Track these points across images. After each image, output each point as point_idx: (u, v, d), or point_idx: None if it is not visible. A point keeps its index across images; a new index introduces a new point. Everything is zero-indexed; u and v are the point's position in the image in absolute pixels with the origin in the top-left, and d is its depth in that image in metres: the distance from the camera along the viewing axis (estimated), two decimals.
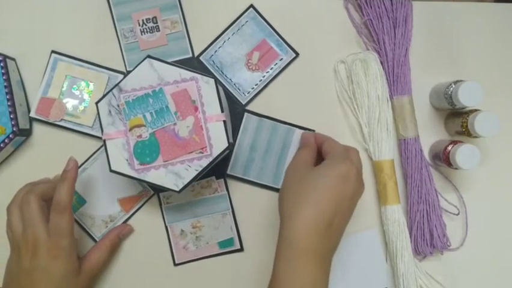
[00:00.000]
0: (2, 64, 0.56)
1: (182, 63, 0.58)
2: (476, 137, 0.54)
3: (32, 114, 0.58)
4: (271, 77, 0.59)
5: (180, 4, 0.59)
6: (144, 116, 0.51)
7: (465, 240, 0.59)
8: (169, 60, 0.53)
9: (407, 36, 0.58)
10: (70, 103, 0.58)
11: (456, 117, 0.57)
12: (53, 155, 0.59)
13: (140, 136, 0.50)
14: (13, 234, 0.51)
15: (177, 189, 0.50)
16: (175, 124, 0.50)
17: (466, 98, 0.53)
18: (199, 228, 0.58)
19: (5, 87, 0.56)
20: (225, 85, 0.59)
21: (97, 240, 0.59)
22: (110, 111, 0.51)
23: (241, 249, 0.59)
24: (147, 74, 0.51)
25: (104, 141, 0.51)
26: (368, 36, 0.60)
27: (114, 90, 0.51)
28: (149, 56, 0.51)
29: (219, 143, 0.50)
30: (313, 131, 0.59)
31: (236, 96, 0.59)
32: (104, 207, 0.59)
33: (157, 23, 0.58)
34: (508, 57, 0.61)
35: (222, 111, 0.50)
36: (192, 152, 0.50)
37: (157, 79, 0.51)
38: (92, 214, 0.59)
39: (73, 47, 0.59)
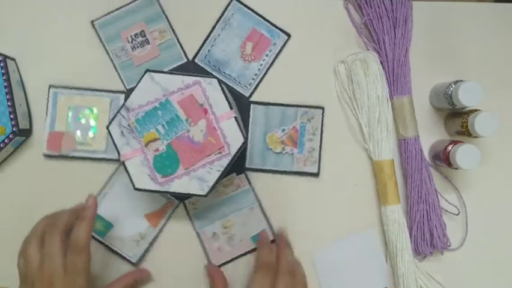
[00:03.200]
0: (2, 64, 0.56)
1: (180, 70, 0.58)
2: (476, 137, 0.54)
3: (44, 150, 0.58)
4: (268, 64, 0.60)
5: (164, 12, 0.59)
6: (157, 130, 0.50)
7: (465, 240, 0.59)
8: (167, 70, 0.54)
9: (407, 36, 0.58)
10: (78, 133, 0.59)
11: (456, 117, 0.57)
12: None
13: (157, 150, 0.50)
14: (28, 268, 0.49)
15: (204, 194, 0.50)
16: (188, 131, 0.50)
17: (466, 98, 0.53)
18: (230, 228, 0.59)
19: (5, 87, 0.56)
20: (226, 82, 0.59)
21: (130, 259, 0.58)
22: (122, 132, 0.51)
23: (274, 241, 0.59)
24: (150, 88, 0.51)
25: (123, 162, 0.51)
26: (368, 36, 0.60)
27: (122, 111, 0.51)
28: (148, 70, 0.51)
29: (235, 140, 0.50)
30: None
31: (239, 90, 0.59)
32: (131, 226, 0.59)
33: (145, 36, 0.59)
34: (508, 57, 0.61)
35: (231, 108, 0.51)
36: (210, 155, 0.50)
37: (161, 91, 0.51)
38: (121, 235, 0.58)
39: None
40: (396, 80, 0.58)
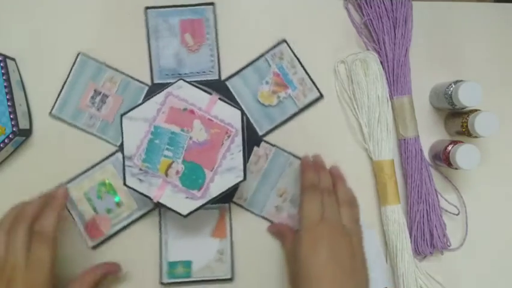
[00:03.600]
0: (2, 64, 0.56)
1: (148, 95, 0.57)
2: (476, 137, 0.55)
3: (90, 243, 0.58)
4: (214, 40, 0.60)
5: (100, 61, 0.59)
6: (165, 156, 0.51)
7: (465, 240, 0.59)
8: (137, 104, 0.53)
9: (407, 36, 0.58)
10: (106, 209, 0.59)
11: (456, 117, 0.57)
12: (54, 155, 0.59)
13: (177, 172, 0.50)
14: None
15: (242, 178, 0.50)
16: (190, 138, 0.50)
17: (466, 98, 0.53)
18: (285, 192, 0.59)
19: (5, 87, 0.56)
20: (191, 79, 0.58)
21: (226, 278, 0.58)
22: (140, 180, 0.51)
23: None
24: (135, 127, 0.51)
25: (159, 203, 0.51)
26: (368, 36, 0.60)
27: (126, 164, 0.51)
28: (122, 114, 0.51)
29: (233, 116, 0.50)
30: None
31: (207, 78, 0.59)
32: (207, 251, 0.58)
33: (100, 92, 0.58)
34: (508, 57, 0.61)
35: (210, 93, 0.51)
36: (222, 143, 0.50)
37: (145, 122, 0.51)
38: (205, 264, 0.58)
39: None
40: (396, 80, 0.58)
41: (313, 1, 0.60)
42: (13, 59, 0.59)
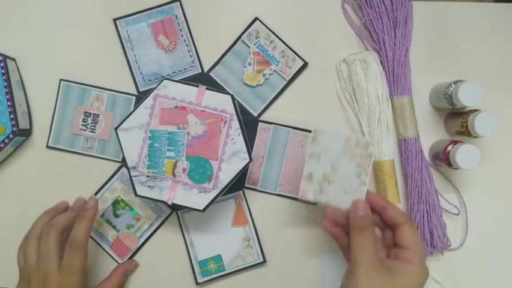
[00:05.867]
0: (2, 64, 0.56)
1: (137, 103, 0.58)
2: (476, 137, 0.54)
3: (120, 261, 0.59)
4: (189, 36, 0.60)
5: (83, 83, 0.59)
6: (168, 157, 0.51)
7: (465, 240, 0.59)
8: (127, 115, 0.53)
9: (407, 36, 0.58)
10: (127, 225, 0.59)
11: (456, 117, 0.57)
12: (54, 155, 0.59)
13: (184, 170, 0.51)
14: (26, 264, 0.51)
15: (248, 160, 0.51)
16: (188, 133, 0.51)
17: (466, 98, 0.53)
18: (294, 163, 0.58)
19: (5, 87, 0.56)
20: (175, 78, 0.59)
21: (260, 262, 0.58)
22: (150, 187, 0.51)
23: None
24: (131, 137, 0.51)
25: (173, 204, 0.51)
26: (368, 36, 0.60)
27: (132, 174, 0.51)
28: (116, 128, 0.51)
29: (224, 101, 0.51)
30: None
31: (190, 74, 0.59)
32: (234, 241, 0.59)
33: (90, 114, 0.59)
34: (508, 57, 0.61)
35: (197, 85, 0.51)
36: (220, 131, 0.51)
37: (140, 129, 0.51)
38: (235, 254, 0.58)
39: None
40: (397, 80, 0.58)
41: (313, 1, 0.60)
42: (13, 59, 0.59)
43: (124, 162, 0.56)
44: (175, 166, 0.51)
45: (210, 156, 0.50)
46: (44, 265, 0.50)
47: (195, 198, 0.51)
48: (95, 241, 0.59)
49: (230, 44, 0.60)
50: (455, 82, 0.55)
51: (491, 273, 0.59)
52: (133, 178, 0.51)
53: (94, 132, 0.59)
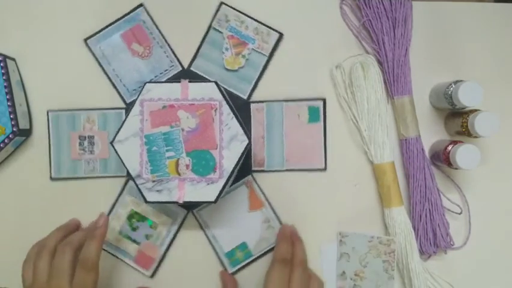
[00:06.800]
0: (2, 64, 0.56)
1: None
2: (476, 137, 0.54)
3: (147, 273, 0.59)
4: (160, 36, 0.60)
5: (72, 109, 0.59)
6: (168, 157, 0.51)
7: (468, 239, 0.59)
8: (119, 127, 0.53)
9: (406, 36, 0.58)
10: (145, 236, 0.59)
11: (456, 117, 0.57)
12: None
13: (187, 166, 0.51)
14: (36, 278, 0.49)
15: (248, 141, 0.51)
16: (182, 129, 0.51)
17: (466, 98, 0.52)
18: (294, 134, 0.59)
19: (5, 87, 0.56)
20: (158, 80, 0.60)
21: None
22: (158, 191, 0.51)
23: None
24: (127, 147, 0.51)
25: (185, 202, 0.51)
26: (367, 37, 0.60)
27: (138, 182, 0.51)
28: (111, 142, 0.51)
29: (210, 90, 0.51)
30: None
31: (171, 74, 0.59)
32: (254, 225, 0.59)
33: (85, 137, 0.59)
34: (508, 57, 0.60)
35: (179, 81, 0.51)
36: (213, 119, 0.51)
37: (135, 137, 0.51)
38: (259, 238, 0.59)
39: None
40: (397, 80, 0.58)
41: (313, 2, 0.60)
42: (13, 59, 0.59)
43: (128, 175, 0.56)
44: (177, 164, 0.51)
45: (209, 146, 0.50)
46: (56, 282, 0.48)
47: (205, 191, 0.51)
48: (118, 258, 0.59)
49: (203, 35, 0.60)
50: (455, 82, 0.55)
51: (494, 272, 0.59)
52: (139, 186, 0.51)
53: (93, 153, 0.59)
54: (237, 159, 0.50)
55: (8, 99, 0.56)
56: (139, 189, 0.51)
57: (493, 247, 0.59)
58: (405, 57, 0.58)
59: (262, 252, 0.59)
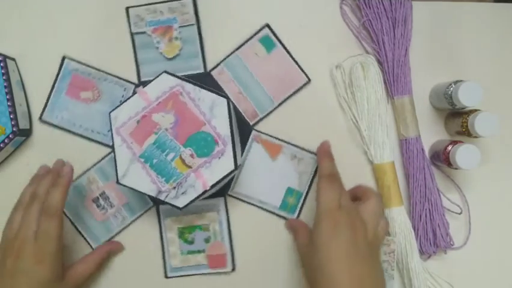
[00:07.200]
0: (2, 64, 0.56)
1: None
2: (476, 137, 0.54)
3: (224, 271, 0.59)
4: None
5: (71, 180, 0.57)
6: (172, 159, 0.51)
7: (468, 239, 0.59)
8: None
9: (406, 36, 0.58)
10: (204, 239, 0.59)
11: (456, 117, 0.57)
12: (54, 155, 0.59)
13: (192, 155, 0.51)
14: (8, 233, 0.51)
15: (226, 99, 0.51)
16: (166, 129, 0.51)
17: (466, 98, 0.52)
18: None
19: (5, 87, 0.56)
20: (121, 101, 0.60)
21: None
22: (183, 193, 0.51)
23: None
24: (134, 177, 0.51)
25: (211, 187, 0.51)
26: (367, 37, 0.60)
27: (162, 197, 0.51)
28: (117, 183, 0.51)
29: (165, 81, 0.51)
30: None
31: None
32: (285, 173, 0.59)
33: (97, 199, 0.59)
34: (508, 57, 0.60)
35: (135, 92, 0.51)
36: (186, 103, 0.51)
37: (133, 164, 0.51)
38: (298, 176, 0.59)
39: None
40: (397, 80, 0.58)
41: (313, 2, 0.60)
42: (13, 59, 0.59)
43: (152, 200, 0.58)
44: (183, 160, 0.51)
45: (197, 126, 0.51)
46: (23, 233, 0.50)
47: (221, 165, 0.51)
48: (197, 274, 0.59)
49: (131, 45, 0.59)
50: (455, 82, 0.55)
51: (495, 272, 0.59)
52: (167, 200, 0.51)
53: (114, 206, 0.59)
54: (228, 121, 0.50)
55: (8, 99, 0.56)
56: (167, 203, 0.51)
57: (493, 247, 0.59)
58: (405, 57, 0.58)
59: (309, 184, 0.59)
